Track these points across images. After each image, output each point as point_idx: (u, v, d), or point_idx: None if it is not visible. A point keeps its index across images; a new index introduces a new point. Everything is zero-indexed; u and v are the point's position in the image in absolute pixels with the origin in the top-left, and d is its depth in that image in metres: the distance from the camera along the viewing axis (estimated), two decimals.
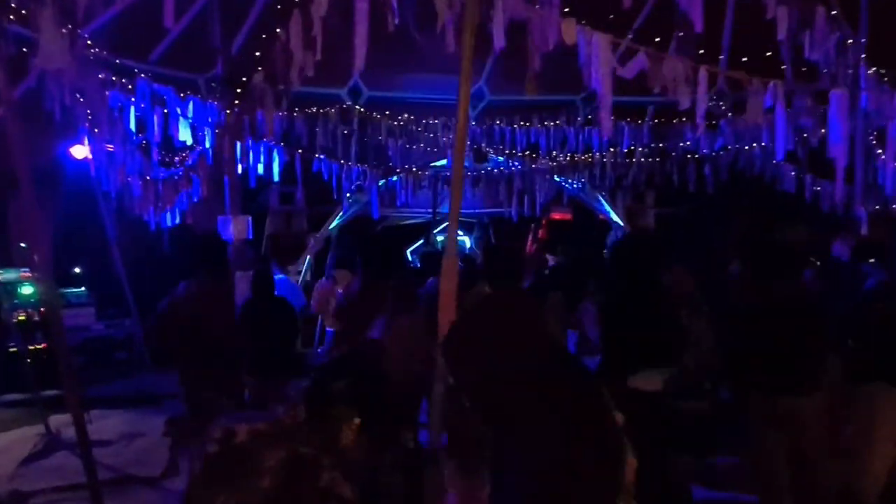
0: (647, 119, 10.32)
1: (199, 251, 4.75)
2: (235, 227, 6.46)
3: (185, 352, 4.37)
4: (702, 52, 4.20)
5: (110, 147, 6.97)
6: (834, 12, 4.11)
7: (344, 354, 1.95)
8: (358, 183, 10.09)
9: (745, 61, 5.02)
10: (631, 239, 7.86)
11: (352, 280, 6.42)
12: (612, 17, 4.11)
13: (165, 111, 6.94)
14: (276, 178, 8.53)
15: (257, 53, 5.93)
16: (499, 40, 3.92)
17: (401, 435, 1.96)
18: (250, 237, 6.58)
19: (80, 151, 7.58)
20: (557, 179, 10.19)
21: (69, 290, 9.02)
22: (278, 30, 4.48)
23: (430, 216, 12.37)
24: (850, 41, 4.46)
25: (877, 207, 8.42)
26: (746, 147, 8.99)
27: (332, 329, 6.57)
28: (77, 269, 9.43)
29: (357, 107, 9.76)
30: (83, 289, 9.20)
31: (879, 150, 8.47)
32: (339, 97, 9.93)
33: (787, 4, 3.78)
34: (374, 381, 1.91)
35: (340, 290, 6.27)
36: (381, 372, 1.95)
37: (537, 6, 4.04)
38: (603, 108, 4.13)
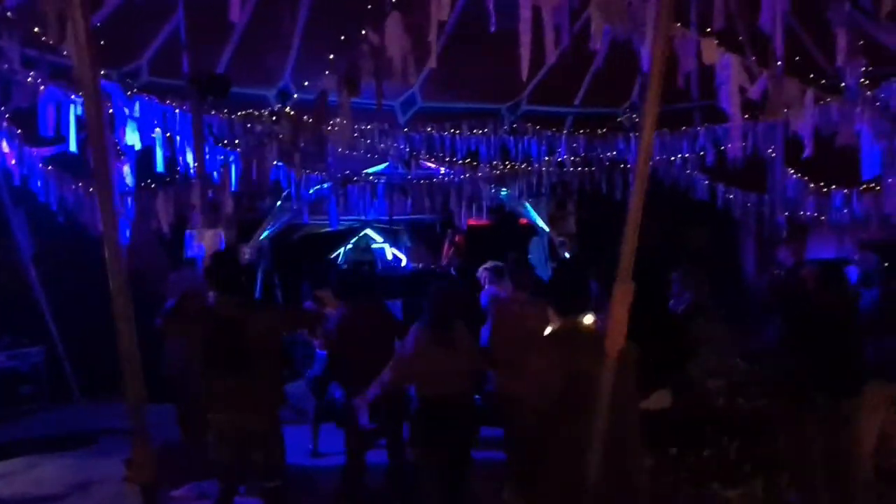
0: (565, 129, 10.74)
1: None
2: (206, 242, 5.82)
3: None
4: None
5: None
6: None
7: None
8: (287, 191, 9.54)
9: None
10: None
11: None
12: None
13: (110, 111, 6.09)
14: (233, 186, 7.80)
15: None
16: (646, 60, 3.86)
17: None
18: None
19: None
20: (494, 188, 10.30)
21: None
22: (363, 31, 4.08)
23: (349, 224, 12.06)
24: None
25: (786, 214, 9.36)
26: (672, 158, 9.59)
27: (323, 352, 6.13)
28: None
29: (288, 110, 9.18)
30: None
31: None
32: (265, 99, 9.30)
33: (848, 34, 4.12)
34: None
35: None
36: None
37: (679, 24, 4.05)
38: (734, 127, 4.24)
